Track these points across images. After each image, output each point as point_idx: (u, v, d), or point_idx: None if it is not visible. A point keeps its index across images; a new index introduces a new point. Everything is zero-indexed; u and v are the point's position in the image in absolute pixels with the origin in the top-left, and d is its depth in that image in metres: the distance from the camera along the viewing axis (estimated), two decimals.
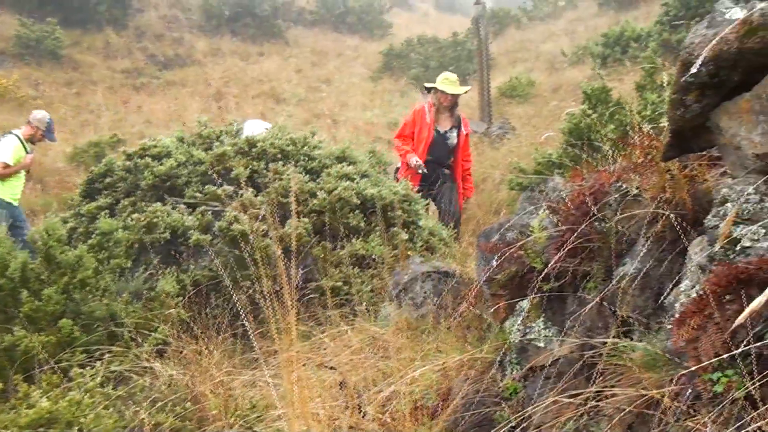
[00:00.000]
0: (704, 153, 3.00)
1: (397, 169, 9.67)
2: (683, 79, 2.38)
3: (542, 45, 26.00)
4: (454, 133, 9.50)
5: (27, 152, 10.55)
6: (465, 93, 10.00)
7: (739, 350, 1.89)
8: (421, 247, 7.04)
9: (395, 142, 9.74)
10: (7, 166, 10.19)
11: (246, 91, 23.87)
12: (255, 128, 9.94)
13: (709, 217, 2.24)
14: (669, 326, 2.31)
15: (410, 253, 6.79)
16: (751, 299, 1.91)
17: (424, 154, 9.25)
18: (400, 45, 28.35)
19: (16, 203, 10.43)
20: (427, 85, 9.82)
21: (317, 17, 34.88)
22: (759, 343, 1.84)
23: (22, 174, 10.67)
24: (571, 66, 20.89)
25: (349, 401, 3.54)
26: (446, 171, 9.44)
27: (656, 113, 8.41)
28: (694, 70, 2.23)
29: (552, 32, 28.02)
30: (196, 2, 31.31)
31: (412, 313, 5.51)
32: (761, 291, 1.93)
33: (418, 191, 8.48)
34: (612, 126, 8.72)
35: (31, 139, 10.68)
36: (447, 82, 9.41)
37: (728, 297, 1.95)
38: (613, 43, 17.76)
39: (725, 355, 1.91)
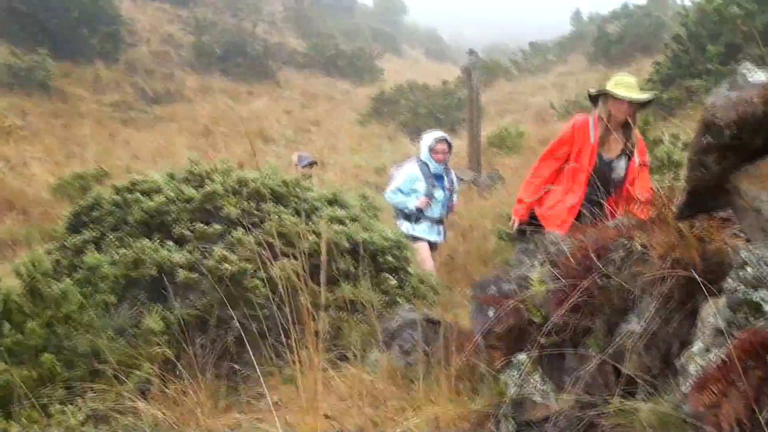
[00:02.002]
0: (713, 214, 2.97)
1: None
2: (704, 140, 2.35)
3: (531, 97, 26.25)
4: (623, 163, 6.61)
5: None
6: (649, 102, 6.68)
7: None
8: (410, 293, 6.97)
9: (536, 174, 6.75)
10: None
11: (234, 129, 23.85)
12: None
13: (729, 280, 2.19)
14: (684, 389, 2.26)
15: (399, 299, 6.73)
16: None
17: (581, 190, 6.46)
18: (390, 90, 28.51)
19: None
20: (592, 90, 6.75)
21: (308, 60, 35.16)
22: None
23: None
24: (559, 119, 21.01)
25: None
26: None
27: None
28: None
29: (541, 85, 28.32)
30: (188, 39, 31.48)
31: (400, 361, 5.43)
32: None
33: None
34: None
35: None
36: (623, 85, 6.34)
37: (751, 363, 1.90)
38: None
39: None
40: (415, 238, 8.99)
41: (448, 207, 9.59)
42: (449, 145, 9.50)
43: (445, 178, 9.45)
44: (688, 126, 11.34)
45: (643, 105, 6.60)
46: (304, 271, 6.49)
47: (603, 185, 6.28)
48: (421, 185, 9.20)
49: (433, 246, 9.39)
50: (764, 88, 2.23)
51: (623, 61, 26.52)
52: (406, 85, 28.63)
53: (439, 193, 9.28)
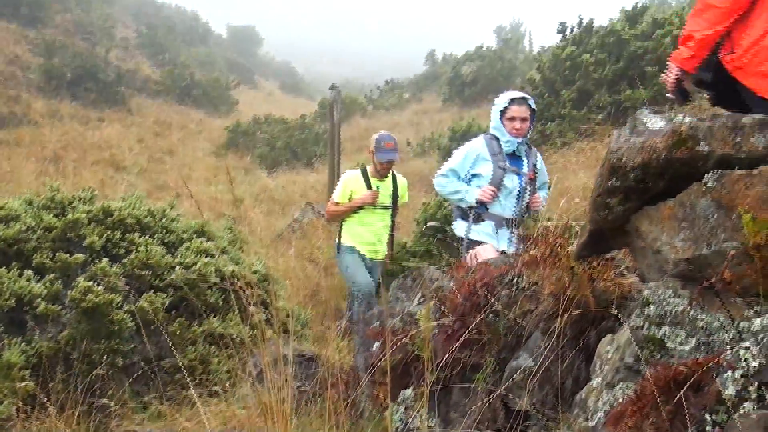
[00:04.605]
0: (599, 255, 3.09)
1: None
2: (609, 182, 2.46)
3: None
4: None
5: (370, 188, 7.95)
6: None
7: None
8: (279, 328, 6.91)
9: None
10: (337, 204, 8.05)
11: (85, 156, 23.13)
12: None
13: (633, 317, 2.29)
14: (590, 423, 2.33)
15: (268, 334, 6.67)
16: (687, 400, 1.95)
17: None
18: (247, 122, 28.36)
19: (368, 254, 7.96)
20: None
21: (162, 87, 34.50)
22: None
23: (372, 218, 8.00)
24: (416, 156, 21.42)
25: None
26: None
27: None
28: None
29: (397, 122, 28.76)
30: (36, 61, 30.36)
31: (272, 397, 5.36)
32: (696, 392, 1.98)
33: None
34: None
35: (378, 171, 8.01)
36: None
37: (663, 397, 1.98)
38: (459, 137, 18.32)
39: None
40: (474, 243, 6.41)
41: (529, 203, 6.61)
42: (532, 111, 6.45)
43: (525, 161, 6.53)
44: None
45: None
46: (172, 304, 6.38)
47: None
48: (487, 168, 6.40)
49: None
50: (667, 134, 2.36)
51: (477, 102, 27.32)
52: (263, 118, 28.58)
53: (511, 181, 6.41)
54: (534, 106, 6.45)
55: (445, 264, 7.03)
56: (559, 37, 17.96)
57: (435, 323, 3.65)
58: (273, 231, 15.75)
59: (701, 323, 2.20)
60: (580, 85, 15.11)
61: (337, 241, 8.13)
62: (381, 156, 7.82)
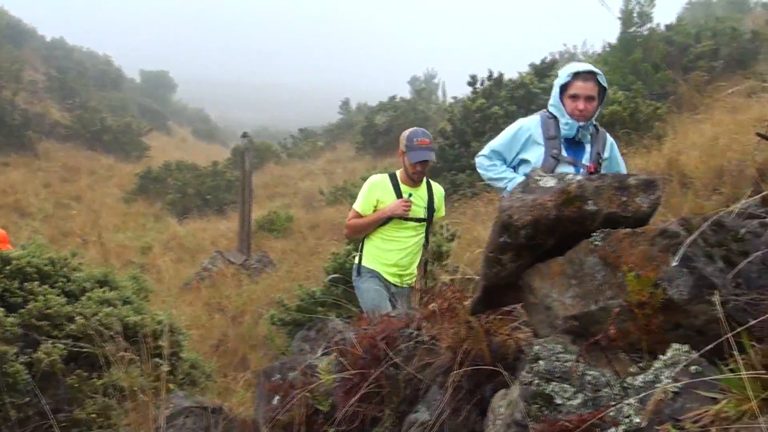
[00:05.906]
0: (495, 309, 3.12)
1: None
2: (501, 239, 2.49)
3: (300, 182, 26.61)
4: None
5: (400, 196, 6.38)
6: None
7: None
8: (182, 379, 6.80)
9: None
10: (359, 215, 6.52)
11: None
12: None
13: (524, 373, 2.31)
14: None
15: (171, 386, 6.54)
16: None
17: None
18: (158, 168, 28.04)
19: (392, 280, 6.53)
20: None
21: (71, 132, 33.96)
22: None
23: (402, 234, 6.49)
24: (328, 205, 21.44)
25: None
26: None
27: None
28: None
29: (310, 170, 28.82)
30: None
31: None
32: None
33: None
34: None
35: (410, 176, 6.45)
36: None
37: None
38: None
39: None
40: None
41: None
42: (601, 89, 5.14)
43: (587, 149, 5.21)
44: (454, 218, 11.89)
45: None
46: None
47: None
48: (537, 154, 5.14)
49: None
50: (557, 193, 2.41)
51: (390, 151, 27.54)
52: (174, 164, 28.30)
53: (566, 171, 4.76)
54: (605, 83, 5.14)
55: (349, 315, 7.02)
56: (470, 88, 18.29)
57: (335, 376, 3.64)
58: (181, 279, 15.52)
59: (589, 379, 2.24)
60: (490, 136, 15.38)
61: (356, 262, 6.76)
62: (414, 156, 6.29)
